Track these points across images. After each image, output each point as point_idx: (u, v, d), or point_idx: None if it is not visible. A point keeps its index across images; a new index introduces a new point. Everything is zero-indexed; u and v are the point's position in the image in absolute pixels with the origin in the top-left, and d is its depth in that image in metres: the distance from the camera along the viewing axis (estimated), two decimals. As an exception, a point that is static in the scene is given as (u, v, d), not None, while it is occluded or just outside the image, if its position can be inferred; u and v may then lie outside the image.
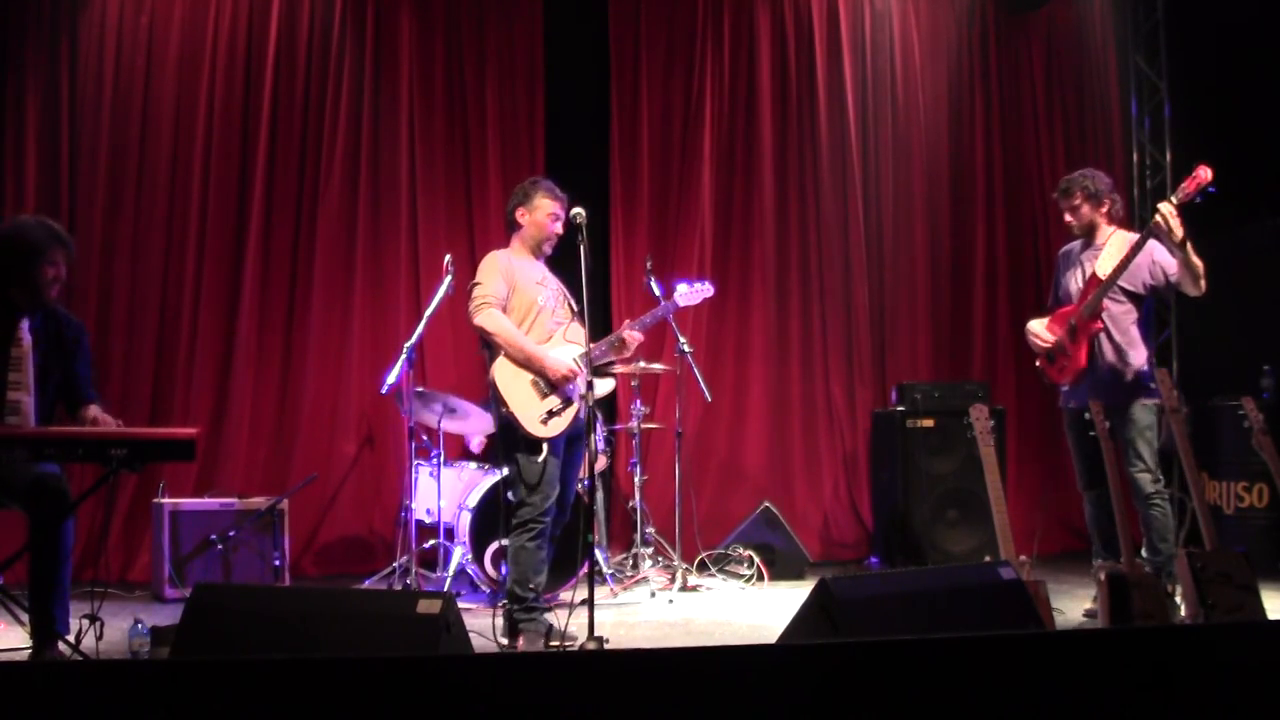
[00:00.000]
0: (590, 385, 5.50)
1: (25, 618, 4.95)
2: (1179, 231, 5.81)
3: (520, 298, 5.77)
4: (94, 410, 5.16)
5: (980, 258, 9.55)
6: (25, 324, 5.12)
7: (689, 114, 9.12)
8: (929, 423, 8.25)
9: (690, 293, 6.31)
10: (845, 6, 9.40)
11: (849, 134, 9.31)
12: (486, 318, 5.68)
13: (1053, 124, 9.81)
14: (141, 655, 5.14)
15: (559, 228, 5.94)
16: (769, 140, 9.19)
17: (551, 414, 5.62)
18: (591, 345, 5.74)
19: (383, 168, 8.58)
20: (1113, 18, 9.93)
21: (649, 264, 7.57)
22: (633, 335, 5.96)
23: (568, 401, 5.67)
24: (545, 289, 5.85)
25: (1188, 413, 5.93)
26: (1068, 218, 6.46)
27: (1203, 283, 5.97)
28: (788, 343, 9.12)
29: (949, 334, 9.48)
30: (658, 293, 7.28)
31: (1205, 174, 5.82)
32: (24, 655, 4.94)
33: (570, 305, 5.94)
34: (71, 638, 4.93)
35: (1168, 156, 9.67)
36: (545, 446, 5.61)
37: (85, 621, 4.99)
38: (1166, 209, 5.80)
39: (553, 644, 5.52)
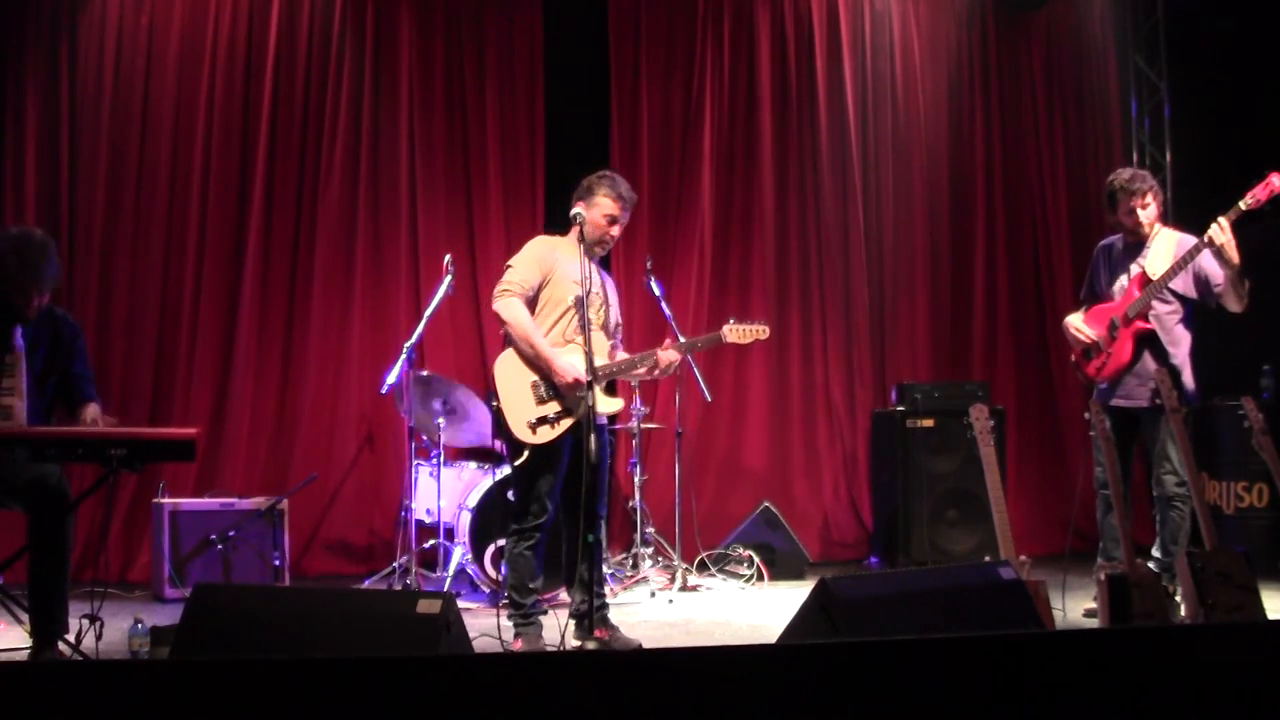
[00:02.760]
0: (590, 385, 5.22)
1: (25, 617, 4.95)
2: (1235, 254, 5.82)
3: (553, 290, 5.52)
4: (93, 410, 5.15)
5: (980, 258, 9.55)
6: (19, 330, 5.12)
7: (689, 115, 9.12)
8: (929, 423, 8.24)
9: (742, 331, 5.86)
10: (845, 7, 9.40)
11: (849, 135, 9.31)
12: (504, 305, 5.45)
13: (1052, 124, 9.80)
14: (141, 655, 5.14)
15: (616, 231, 5.63)
16: (769, 141, 9.19)
17: (544, 420, 5.38)
18: (627, 357, 5.63)
19: (382, 168, 8.58)
20: (1112, 18, 9.92)
21: (649, 264, 7.57)
22: (668, 356, 5.66)
23: (567, 412, 5.41)
24: (580, 290, 5.48)
25: (1188, 412, 5.92)
26: (1130, 218, 6.24)
27: (1246, 300, 5.97)
28: (788, 343, 9.12)
29: (949, 334, 9.47)
30: (657, 292, 7.28)
31: (1279, 182, 5.78)
32: (24, 655, 4.94)
33: (605, 312, 5.66)
34: (71, 637, 4.94)
35: (1167, 157, 9.67)
36: (526, 452, 5.38)
37: (85, 621, 4.99)
38: (1219, 231, 5.76)
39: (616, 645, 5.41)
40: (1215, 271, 5.99)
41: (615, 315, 5.76)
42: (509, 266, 5.57)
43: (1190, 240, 6.07)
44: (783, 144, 9.25)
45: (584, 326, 5.39)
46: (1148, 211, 6.22)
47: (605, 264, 8.72)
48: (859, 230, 9.27)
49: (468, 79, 8.79)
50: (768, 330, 5.96)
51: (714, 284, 9.04)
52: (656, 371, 5.75)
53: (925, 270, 9.44)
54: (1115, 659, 2.91)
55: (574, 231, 5.62)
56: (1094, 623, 5.94)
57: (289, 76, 8.45)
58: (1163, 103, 9.73)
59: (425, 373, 7.24)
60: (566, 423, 5.42)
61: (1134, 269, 6.22)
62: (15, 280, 5.04)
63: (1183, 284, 6.10)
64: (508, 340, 5.55)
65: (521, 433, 5.39)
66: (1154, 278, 6.04)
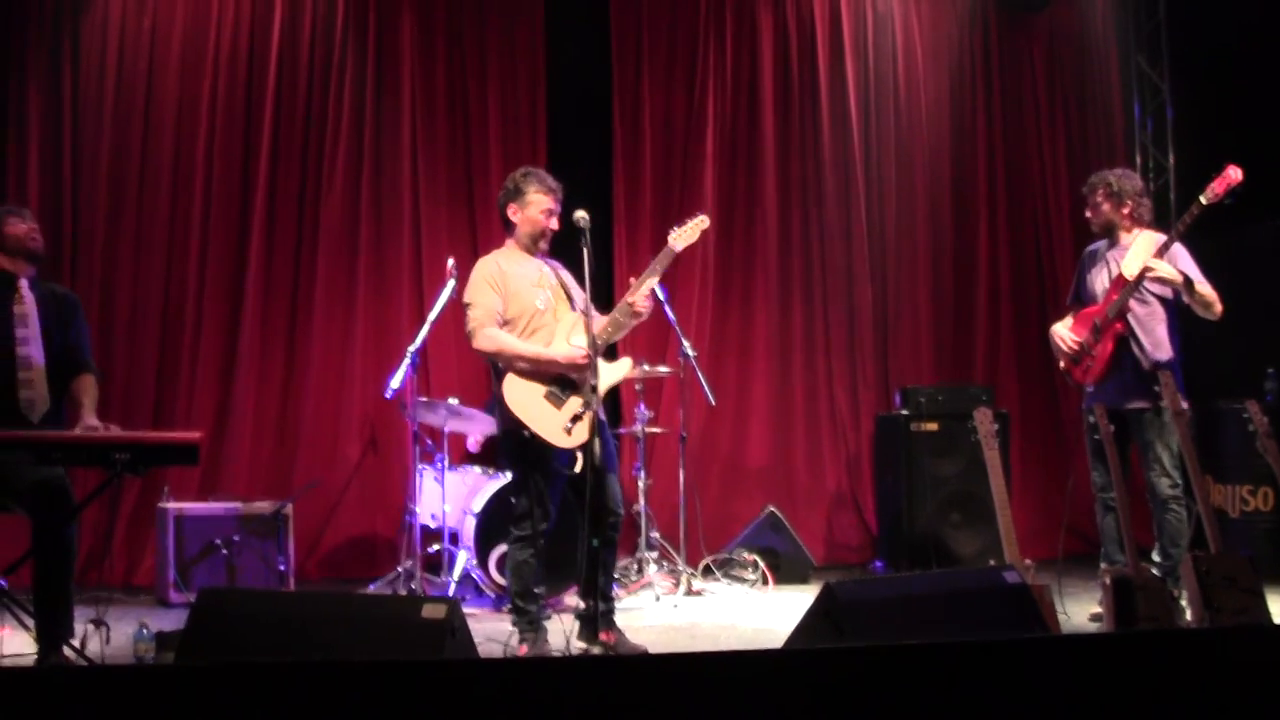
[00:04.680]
0: (595, 389, 5.28)
1: (30, 622, 4.96)
2: (1176, 278, 5.94)
3: (517, 303, 5.55)
4: (89, 385, 5.19)
5: (983, 260, 9.54)
6: (25, 283, 5.18)
7: (691, 116, 9.12)
8: (933, 426, 8.23)
9: (686, 232, 5.76)
10: (847, 8, 9.39)
11: (851, 136, 9.31)
12: (484, 339, 5.48)
13: (1055, 126, 9.80)
14: (146, 660, 5.16)
15: (554, 223, 5.66)
16: (771, 142, 9.19)
17: (576, 419, 5.40)
18: (605, 320, 5.59)
19: (385, 170, 8.58)
20: (1114, 19, 9.92)
21: (652, 266, 7.56)
22: (639, 298, 5.56)
23: (587, 405, 5.41)
24: (543, 290, 5.60)
25: (1191, 416, 5.92)
26: (1088, 213, 6.42)
27: (1218, 307, 5.99)
28: (791, 346, 9.11)
29: (952, 337, 9.47)
30: (661, 296, 7.27)
31: (1235, 174, 5.82)
32: (30, 660, 4.94)
33: (571, 299, 5.67)
34: (77, 642, 4.94)
35: (1170, 158, 9.66)
36: (579, 455, 5.39)
37: (90, 626, 5.00)
38: (1152, 268, 5.91)
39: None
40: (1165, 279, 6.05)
41: (578, 295, 5.66)
42: (468, 304, 5.58)
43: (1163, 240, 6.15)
44: (785, 145, 9.24)
45: (589, 323, 5.39)
46: (1097, 211, 6.35)
47: (605, 264, 8.78)
48: (861, 232, 9.27)
49: (470, 81, 8.79)
50: (706, 219, 5.89)
51: (717, 286, 9.04)
52: (639, 317, 5.67)
53: (928, 272, 9.44)
54: (1120, 663, 2.91)
55: (509, 237, 5.74)
56: (1099, 627, 5.94)
57: (291, 78, 8.45)
58: (1165, 104, 9.73)
59: (425, 399, 7.27)
60: (590, 414, 5.43)
61: (1112, 269, 6.25)
62: None
63: (1158, 285, 6.11)
64: (497, 371, 5.56)
65: (561, 440, 5.40)
66: (1129, 278, 6.06)
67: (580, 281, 5.48)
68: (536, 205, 5.64)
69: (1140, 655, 2.97)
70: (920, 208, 9.45)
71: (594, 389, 5.33)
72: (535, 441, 5.41)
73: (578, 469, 5.43)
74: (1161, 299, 6.17)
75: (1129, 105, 9.91)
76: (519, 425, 5.42)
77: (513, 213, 5.69)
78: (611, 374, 5.68)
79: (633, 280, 5.76)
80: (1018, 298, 9.59)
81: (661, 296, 7.28)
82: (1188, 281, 5.97)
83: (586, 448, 5.31)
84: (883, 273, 9.34)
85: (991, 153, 9.66)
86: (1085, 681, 2.84)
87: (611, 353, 6.45)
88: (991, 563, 7.14)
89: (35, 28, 8.02)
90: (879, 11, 9.50)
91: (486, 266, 5.64)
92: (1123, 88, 9.92)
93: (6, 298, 5.16)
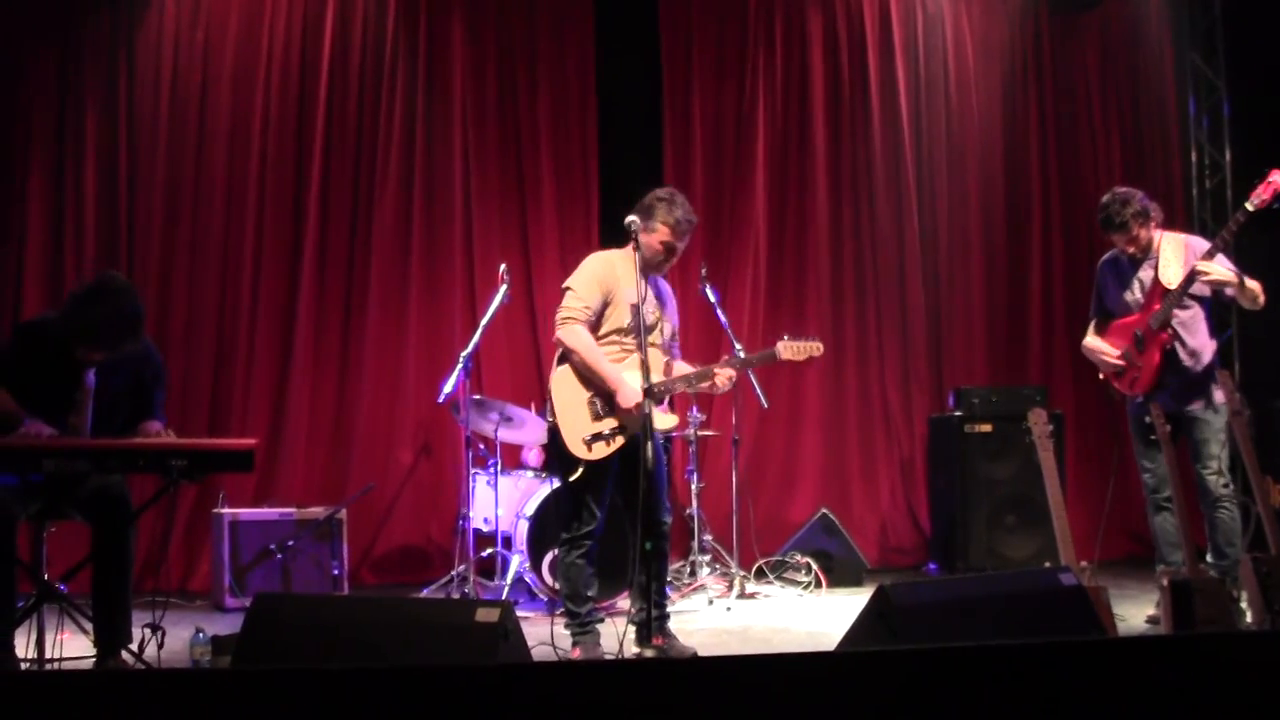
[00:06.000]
0: (649, 392, 5.10)
1: (89, 626, 5.01)
2: (1230, 277, 5.86)
3: (614, 312, 5.47)
4: (154, 425, 5.18)
5: (1036, 260, 9.46)
6: (91, 374, 5.14)
7: (741, 120, 9.10)
8: (987, 427, 8.18)
9: (796, 348, 5.73)
10: (897, 9, 9.35)
11: (903, 137, 9.26)
12: (569, 333, 5.40)
13: (1108, 124, 9.70)
14: (203, 664, 5.20)
15: (672, 259, 5.54)
16: (822, 145, 9.16)
17: (599, 437, 5.36)
18: (683, 374, 5.56)
19: (437, 179, 8.62)
20: (1169, 16, 9.81)
21: (703, 271, 7.54)
22: (725, 373, 5.54)
23: (621, 429, 5.38)
24: (640, 314, 5.42)
25: (1250, 415, 5.85)
26: (1129, 248, 6.20)
27: (1262, 299, 5.92)
28: (843, 348, 9.07)
29: (1006, 337, 9.40)
30: (712, 299, 7.26)
31: (1279, 179, 5.76)
32: (88, 664, 5.00)
33: (661, 328, 5.56)
34: (134, 646, 4.99)
35: (1227, 156, 9.55)
36: (581, 469, 5.38)
37: (147, 630, 5.04)
38: (1206, 272, 5.83)
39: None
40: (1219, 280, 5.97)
41: (672, 327, 5.66)
42: (568, 289, 5.50)
43: (1195, 241, 6.12)
44: (836, 148, 9.22)
45: (640, 341, 5.32)
46: (1138, 242, 6.18)
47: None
48: (914, 233, 9.22)
49: (520, 90, 8.82)
50: (822, 347, 5.83)
51: (769, 290, 9.01)
52: (713, 390, 5.62)
53: (981, 273, 9.37)
54: (1180, 666, 2.87)
55: (632, 243, 5.52)
56: (1157, 629, 5.88)
57: (342, 88, 8.51)
58: (1221, 101, 9.62)
59: (478, 396, 7.28)
60: (620, 440, 5.40)
61: (1146, 280, 6.16)
62: (79, 336, 5.05)
63: (1196, 286, 6.04)
64: (561, 357, 5.53)
65: (577, 449, 5.39)
66: (1170, 287, 5.98)
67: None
68: (658, 235, 5.50)
69: (1199, 658, 2.94)
70: (973, 207, 9.38)
71: (649, 392, 5.25)
72: (560, 436, 5.41)
73: (573, 477, 5.41)
74: (1200, 299, 6.10)
75: (1184, 102, 9.81)
76: (551, 411, 5.45)
77: (637, 229, 5.51)
78: (658, 423, 5.40)
79: (725, 357, 5.78)
80: (1072, 297, 9.48)
81: (713, 299, 7.28)
82: (1240, 280, 5.90)
83: (638, 451, 5.26)
84: (935, 273, 9.29)
85: (1044, 151, 9.58)
86: (1143, 685, 2.81)
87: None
88: (1047, 565, 7.08)
89: (91, 44, 8.13)
90: (929, 12, 9.45)
91: (602, 264, 5.55)
92: (1178, 85, 9.81)
93: (72, 382, 5.10)
